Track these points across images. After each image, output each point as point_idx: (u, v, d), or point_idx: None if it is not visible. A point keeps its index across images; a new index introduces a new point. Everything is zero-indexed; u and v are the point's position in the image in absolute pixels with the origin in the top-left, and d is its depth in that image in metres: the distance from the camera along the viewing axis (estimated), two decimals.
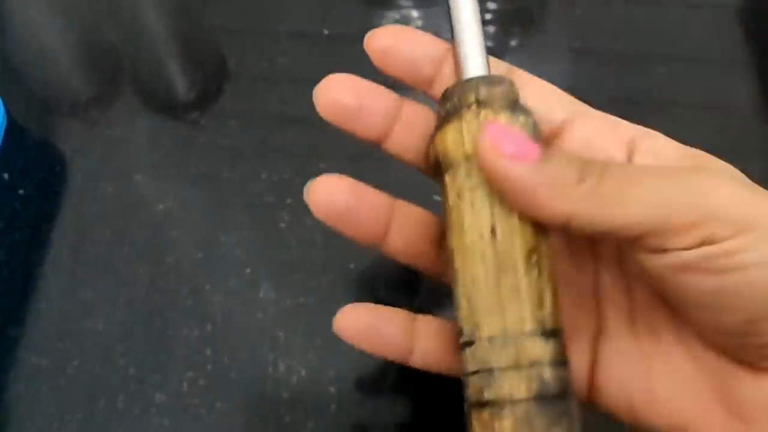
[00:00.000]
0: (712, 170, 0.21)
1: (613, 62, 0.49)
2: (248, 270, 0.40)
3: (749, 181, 0.22)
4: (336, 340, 0.39)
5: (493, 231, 0.21)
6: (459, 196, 0.22)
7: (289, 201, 0.42)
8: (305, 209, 0.42)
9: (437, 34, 0.50)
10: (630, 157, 0.23)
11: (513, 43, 0.52)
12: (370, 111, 0.24)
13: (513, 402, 0.21)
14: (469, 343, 0.22)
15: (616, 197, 0.20)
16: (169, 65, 0.51)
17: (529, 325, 0.21)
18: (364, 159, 0.44)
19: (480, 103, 0.22)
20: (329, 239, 0.41)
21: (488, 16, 0.53)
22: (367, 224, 0.25)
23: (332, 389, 0.37)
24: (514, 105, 0.22)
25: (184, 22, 0.53)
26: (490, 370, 0.21)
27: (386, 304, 0.39)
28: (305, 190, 0.24)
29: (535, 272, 0.21)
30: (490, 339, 0.22)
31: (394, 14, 0.50)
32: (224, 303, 0.39)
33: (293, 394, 0.37)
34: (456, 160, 0.22)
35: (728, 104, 0.46)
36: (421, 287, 0.39)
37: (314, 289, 0.40)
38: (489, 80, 0.23)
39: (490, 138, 0.20)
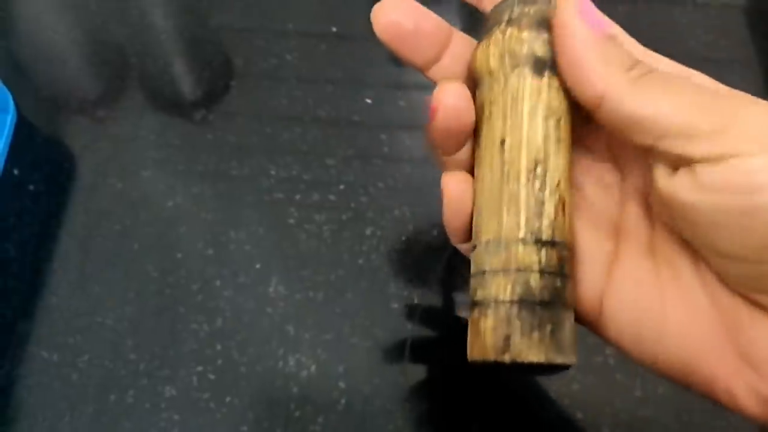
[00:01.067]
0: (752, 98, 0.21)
1: None
2: (258, 265, 0.40)
3: None
4: (345, 336, 0.39)
5: (502, 142, 0.23)
6: (481, 108, 0.23)
7: (297, 197, 0.42)
8: (314, 205, 0.43)
9: None
10: None
11: None
12: (426, 35, 0.25)
13: (497, 302, 0.22)
14: (474, 247, 0.23)
15: (655, 91, 0.20)
16: (176, 63, 0.51)
17: (522, 232, 0.22)
18: (370, 157, 0.45)
19: (510, 21, 0.23)
20: (338, 235, 0.41)
21: None
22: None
23: (342, 384, 0.37)
24: (548, 23, 0.23)
25: (191, 20, 0.53)
26: (483, 273, 0.23)
27: (395, 300, 0.39)
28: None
29: (537, 184, 0.22)
30: (487, 243, 0.23)
31: None
32: (234, 298, 0.39)
33: (303, 389, 0.37)
34: (482, 75, 0.24)
35: None
36: (430, 282, 0.40)
37: (323, 284, 0.40)
38: (524, 0, 0.23)
39: (576, 1, 0.22)
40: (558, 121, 0.23)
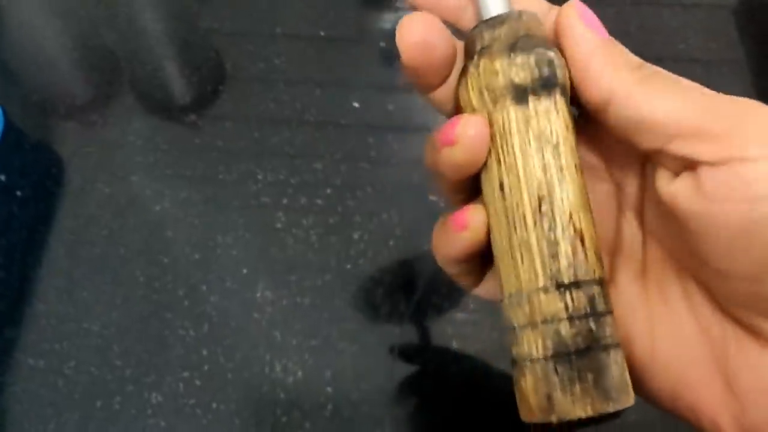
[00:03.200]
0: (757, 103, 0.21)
1: None
2: (245, 270, 0.40)
3: None
4: (332, 341, 0.39)
5: (501, 186, 0.21)
6: None
7: (285, 202, 0.42)
8: (301, 210, 0.43)
9: None
10: None
11: None
12: (445, 56, 0.22)
13: (532, 360, 0.20)
14: (500, 301, 0.22)
15: (663, 91, 0.20)
16: (165, 68, 0.51)
17: (541, 281, 0.20)
18: (358, 161, 0.44)
19: (482, 51, 0.21)
20: (325, 239, 0.41)
21: None
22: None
23: (329, 389, 0.37)
24: (521, 41, 0.21)
25: (180, 25, 0.53)
26: (513, 329, 0.21)
27: (383, 305, 0.39)
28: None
29: (546, 223, 0.20)
30: (510, 297, 0.21)
31: (390, 16, 0.50)
32: (221, 303, 0.39)
33: (290, 395, 0.37)
34: (468, 113, 0.22)
35: None
36: (417, 289, 0.40)
37: (311, 289, 0.40)
38: (491, 23, 0.22)
39: (577, 6, 0.22)
40: (555, 147, 0.21)
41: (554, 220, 0.20)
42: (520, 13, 0.22)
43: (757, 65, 0.48)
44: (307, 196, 0.42)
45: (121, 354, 0.38)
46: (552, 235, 0.20)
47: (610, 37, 0.22)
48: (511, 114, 0.21)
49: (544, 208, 0.20)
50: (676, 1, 0.51)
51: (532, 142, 0.21)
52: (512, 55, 0.21)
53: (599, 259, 0.21)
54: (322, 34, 0.49)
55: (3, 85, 0.47)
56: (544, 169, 0.20)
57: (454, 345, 0.38)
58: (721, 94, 0.21)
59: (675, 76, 0.21)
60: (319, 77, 0.47)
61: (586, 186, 0.21)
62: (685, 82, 0.21)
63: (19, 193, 0.44)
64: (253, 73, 0.49)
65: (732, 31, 0.50)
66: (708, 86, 0.50)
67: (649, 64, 0.21)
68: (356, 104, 0.46)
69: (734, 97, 0.21)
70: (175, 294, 0.40)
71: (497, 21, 0.22)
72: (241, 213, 0.42)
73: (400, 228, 0.41)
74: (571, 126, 0.21)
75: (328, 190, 0.42)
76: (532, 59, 0.21)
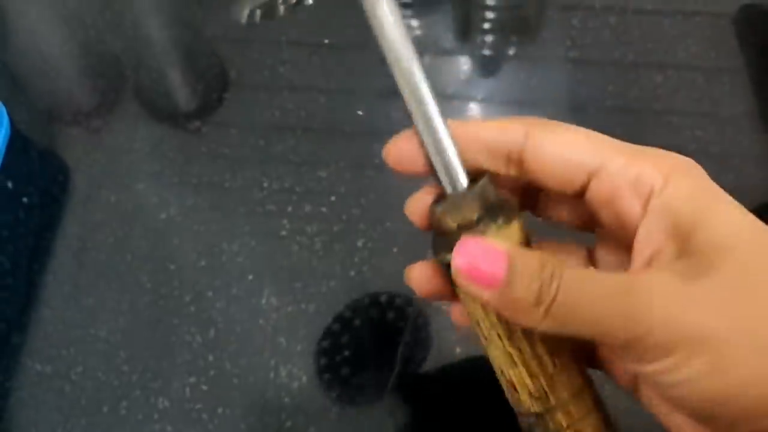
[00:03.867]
0: (651, 282, 0.20)
1: (610, 71, 0.49)
2: (250, 277, 0.41)
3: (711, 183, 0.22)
4: (337, 346, 0.39)
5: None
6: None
7: (290, 209, 0.43)
8: (306, 217, 0.43)
9: (435, 43, 0.51)
10: (645, 208, 0.22)
11: (511, 52, 0.52)
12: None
13: None
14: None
15: (567, 316, 0.20)
16: (170, 75, 0.51)
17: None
18: (362, 168, 0.45)
19: (436, 252, 0.23)
20: (330, 246, 0.41)
21: (486, 26, 0.54)
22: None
23: (333, 394, 0.37)
24: (479, 218, 0.23)
25: (185, 32, 0.54)
26: None
27: (387, 311, 0.39)
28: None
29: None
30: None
31: None
32: (226, 310, 0.40)
33: (294, 400, 0.37)
34: None
35: (723, 112, 0.47)
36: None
37: (315, 295, 0.40)
38: (447, 206, 0.23)
39: (459, 265, 0.21)
40: (477, 323, 0.23)
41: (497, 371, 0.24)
42: (472, 193, 0.23)
43: (756, 73, 0.48)
44: (312, 203, 0.43)
45: (127, 359, 0.39)
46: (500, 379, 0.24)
47: (505, 273, 0.21)
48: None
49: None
50: (676, 10, 0.52)
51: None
52: (474, 230, 0.22)
53: (537, 397, 0.23)
54: (327, 41, 0.50)
55: (9, 93, 0.48)
56: (484, 338, 0.24)
57: (458, 351, 0.38)
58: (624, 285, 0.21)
59: (573, 281, 0.21)
60: (324, 85, 0.48)
61: (515, 346, 0.23)
62: (585, 282, 0.21)
63: (25, 199, 0.44)
64: (257, 80, 0.49)
65: (732, 39, 0.50)
66: (709, 94, 0.51)
67: (547, 280, 0.21)
68: (360, 112, 0.46)
69: (631, 276, 0.21)
70: (182, 300, 0.40)
71: (453, 204, 0.23)
72: (246, 220, 0.43)
73: (404, 235, 0.41)
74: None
75: (333, 198, 0.43)
76: (494, 226, 0.22)
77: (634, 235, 0.22)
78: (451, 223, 0.23)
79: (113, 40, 0.52)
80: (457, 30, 0.53)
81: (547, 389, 0.23)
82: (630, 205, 0.22)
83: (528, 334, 0.23)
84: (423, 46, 0.51)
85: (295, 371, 0.38)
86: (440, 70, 0.50)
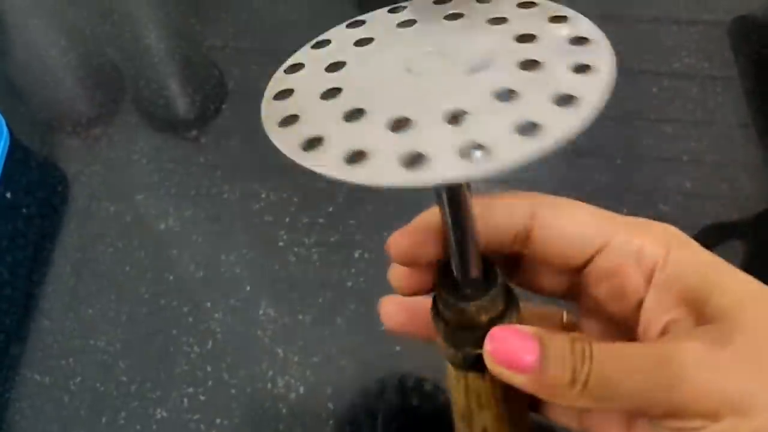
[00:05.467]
0: (683, 351, 0.21)
1: None
2: (248, 288, 0.41)
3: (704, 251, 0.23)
4: (333, 357, 0.39)
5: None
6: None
7: (287, 220, 0.43)
8: (303, 228, 0.43)
9: None
10: (648, 282, 0.23)
11: None
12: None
13: None
14: None
15: (604, 391, 0.21)
16: (169, 86, 0.52)
17: None
18: None
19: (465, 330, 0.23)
20: (327, 257, 0.42)
21: None
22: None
23: (330, 405, 0.38)
24: (504, 310, 0.23)
25: (184, 43, 0.54)
26: None
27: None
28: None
29: None
30: None
31: None
32: (224, 320, 0.40)
33: (292, 411, 0.37)
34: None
35: (717, 121, 0.47)
36: None
37: (312, 306, 0.40)
38: (482, 303, 0.23)
39: (492, 354, 0.22)
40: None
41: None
42: (481, 303, 0.23)
43: (751, 83, 0.48)
44: (309, 214, 0.43)
45: (126, 370, 0.39)
46: None
47: (538, 357, 0.21)
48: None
49: None
50: (672, 20, 0.52)
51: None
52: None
53: None
54: None
55: (9, 103, 0.48)
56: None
57: None
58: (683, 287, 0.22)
59: (605, 358, 0.21)
60: None
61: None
62: (617, 359, 0.22)
63: (24, 210, 0.44)
64: (256, 91, 0.49)
65: (726, 49, 0.50)
66: (703, 104, 0.51)
67: (580, 360, 0.21)
68: None
69: (665, 346, 0.22)
70: (180, 311, 0.40)
71: (461, 312, 0.23)
72: (244, 231, 0.43)
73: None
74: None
75: (330, 209, 0.43)
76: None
77: (632, 307, 0.23)
78: (484, 317, 0.23)
79: (113, 51, 0.53)
80: None
81: None
82: (633, 279, 0.23)
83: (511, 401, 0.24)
84: None
85: (292, 382, 0.38)
86: None
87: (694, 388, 0.20)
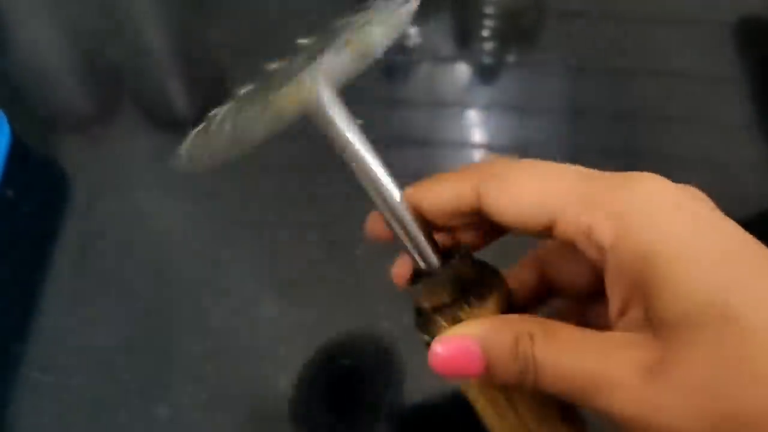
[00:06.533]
0: (615, 372, 0.20)
1: (608, 79, 0.50)
2: (249, 286, 0.41)
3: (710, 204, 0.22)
4: (335, 356, 0.39)
5: None
6: None
7: (289, 218, 0.43)
8: (305, 226, 0.43)
9: (434, 51, 0.51)
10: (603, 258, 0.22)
11: (510, 59, 0.52)
12: None
13: None
14: None
15: (552, 382, 0.21)
16: (170, 84, 0.51)
17: None
18: None
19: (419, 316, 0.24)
20: (329, 256, 0.41)
21: (485, 33, 0.54)
22: None
23: (332, 403, 0.37)
24: (453, 300, 0.23)
25: (185, 40, 0.54)
26: None
27: (386, 319, 0.39)
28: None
29: None
30: None
31: None
32: (225, 319, 0.40)
33: (293, 409, 0.37)
34: None
35: (721, 121, 0.47)
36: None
37: (314, 305, 0.40)
38: (421, 290, 0.24)
39: (436, 363, 0.22)
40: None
41: None
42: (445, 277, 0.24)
43: (754, 82, 0.48)
44: (311, 211, 0.43)
45: (127, 368, 0.39)
46: None
47: (480, 361, 0.22)
48: None
49: None
50: (674, 19, 0.52)
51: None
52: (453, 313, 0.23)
53: None
54: None
55: (10, 101, 0.48)
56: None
57: None
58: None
59: (548, 349, 0.21)
60: None
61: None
62: (561, 344, 0.21)
63: (25, 208, 0.44)
64: None
65: (730, 48, 0.50)
66: (706, 103, 0.51)
67: (524, 356, 0.21)
68: (360, 120, 0.46)
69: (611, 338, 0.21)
70: (181, 309, 0.40)
71: (424, 291, 0.24)
72: (245, 229, 0.43)
73: None
74: None
75: (331, 206, 0.43)
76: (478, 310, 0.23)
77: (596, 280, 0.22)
78: (426, 305, 0.23)
79: (113, 49, 0.52)
80: (457, 37, 0.53)
81: None
82: (590, 254, 0.22)
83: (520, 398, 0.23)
84: (422, 54, 0.51)
85: (294, 380, 0.38)
86: (439, 78, 0.51)
87: (623, 415, 0.19)
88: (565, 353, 0.21)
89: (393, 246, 0.42)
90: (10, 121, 0.46)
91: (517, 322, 0.22)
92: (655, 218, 0.20)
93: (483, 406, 0.24)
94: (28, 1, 0.55)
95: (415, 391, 0.38)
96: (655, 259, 0.20)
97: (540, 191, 0.22)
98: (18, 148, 0.46)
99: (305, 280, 0.41)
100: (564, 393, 0.21)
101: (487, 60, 0.52)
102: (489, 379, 0.22)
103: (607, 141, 0.46)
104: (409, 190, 0.24)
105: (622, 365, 0.20)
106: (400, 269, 0.26)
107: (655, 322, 0.20)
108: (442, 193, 0.24)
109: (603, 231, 0.21)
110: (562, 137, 0.48)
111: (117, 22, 0.54)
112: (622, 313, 0.21)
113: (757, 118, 0.46)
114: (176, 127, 0.48)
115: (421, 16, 0.54)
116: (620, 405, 0.19)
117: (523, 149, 0.47)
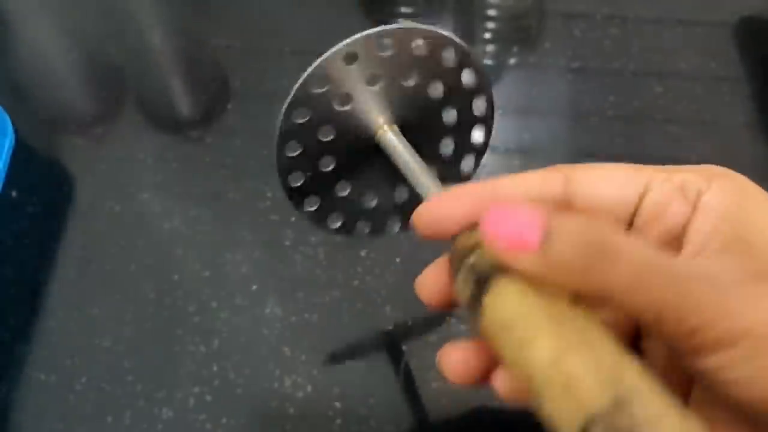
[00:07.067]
0: (713, 271, 0.20)
1: (611, 81, 0.50)
2: (254, 287, 0.41)
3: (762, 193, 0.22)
4: (340, 356, 0.39)
5: None
6: None
7: (293, 219, 0.43)
8: (309, 227, 0.43)
9: None
10: (695, 208, 0.22)
11: (512, 61, 0.53)
12: None
13: None
14: None
15: (625, 285, 0.19)
16: (173, 85, 0.52)
17: None
18: None
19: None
20: (333, 256, 0.42)
21: (488, 35, 0.54)
22: None
23: (337, 404, 0.37)
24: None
25: (188, 42, 0.54)
26: None
27: (391, 321, 0.40)
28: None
29: None
30: None
31: None
32: (230, 320, 0.40)
33: (299, 410, 0.37)
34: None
35: (723, 121, 0.47)
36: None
37: (319, 305, 0.40)
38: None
39: (489, 231, 0.20)
40: None
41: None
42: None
43: (757, 84, 0.48)
44: None
45: (131, 369, 0.39)
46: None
47: (542, 234, 0.19)
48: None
49: None
50: (677, 21, 0.52)
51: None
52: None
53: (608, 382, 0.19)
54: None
55: (13, 103, 0.48)
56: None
57: None
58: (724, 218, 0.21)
59: (631, 250, 0.19)
60: None
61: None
62: (646, 256, 0.19)
63: (29, 209, 0.44)
64: (260, 90, 0.49)
65: (732, 49, 0.50)
66: (708, 105, 0.51)
67: (600, 244, 0.19)
68: None
69: (696, 265, 0.21)
70: (185, 310, 0.40)
71: None
72: (249, 230, 0.43)
73: (407, 245, 0.42)
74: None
75: None
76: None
77: (684, 236, 0.22)
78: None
79: (116, 50, 0.52)
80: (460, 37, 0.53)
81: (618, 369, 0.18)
82: (680, 209, 0.22)
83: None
84: None
85: (299, 381, 0.38)
86: None
87: (717, 311, 0.18)
88: (647, 251, 0.19)
89: (396, 247, 0.42)
90: (14, 122, 0.46)
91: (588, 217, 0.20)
92: (740, 176, 0.23)
93: (498, 317, 0.20)
94: (32, 2, 0.55)
95: (421, 392, 0.38)
96: (753, 195, 0.22)
97: (628, 169, 0.24)
98: (22, 149, 0.46)
99: (309, 282, 0.41)
100: (645, 304, 0.18)
101: (489, 62, 0.52)
102: (532, 266, 0.19)
103: (609, 143, 0.46)
104: (496, 180, 0.24)
105: (719, 263, 0.20)
106: (429, 282, 0.26)
107: (751, 249, 0.20)
108: (530, 181, 0.24)
109: (697, 181, 0.22)
110: (565, 139, 0.48)
111: (120, 23, 0.54)
112: (707, 246, 0.21)
113: (758, 117, 0.46)
114: (179, 128, 0.48)
115: (423, 19, 0.54)
116: (720, 294, 0.18)
117: (525, 151, 0.47)
